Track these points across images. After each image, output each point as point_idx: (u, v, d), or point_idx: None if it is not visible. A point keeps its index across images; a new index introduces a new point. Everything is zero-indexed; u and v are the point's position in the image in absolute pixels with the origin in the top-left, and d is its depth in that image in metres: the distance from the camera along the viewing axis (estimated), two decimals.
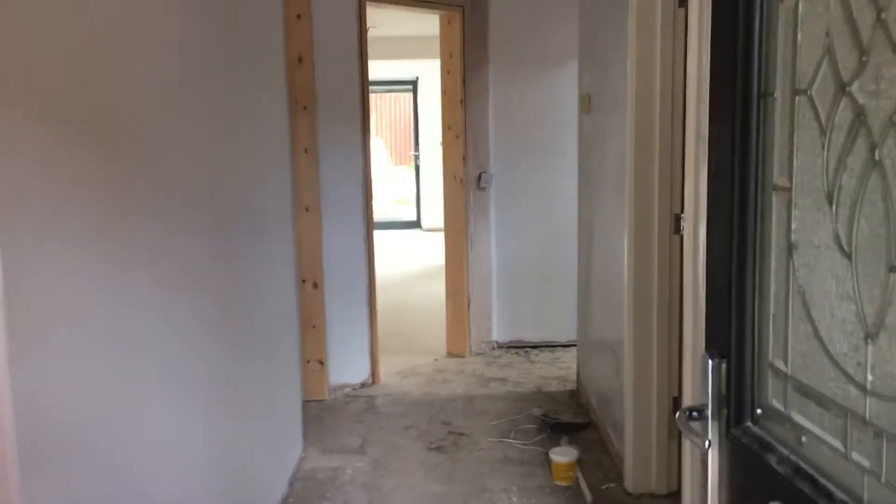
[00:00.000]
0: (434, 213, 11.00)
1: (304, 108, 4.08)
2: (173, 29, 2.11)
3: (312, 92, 4.10)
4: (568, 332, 5.08)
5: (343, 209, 4.30)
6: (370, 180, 4.41)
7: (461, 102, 4.82)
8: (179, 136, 2.10)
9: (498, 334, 5.17)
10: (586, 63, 3.94)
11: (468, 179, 4.92)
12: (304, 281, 4.17)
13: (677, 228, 2.97)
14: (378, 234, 11.03)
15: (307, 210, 4.15)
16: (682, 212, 2.95)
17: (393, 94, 13.38)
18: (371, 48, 7.26)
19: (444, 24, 4.86)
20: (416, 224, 11.49)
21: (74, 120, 1.60)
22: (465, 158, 4.88)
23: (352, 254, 4.38)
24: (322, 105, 4.16)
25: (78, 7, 1.63)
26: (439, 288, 5.20)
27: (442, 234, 5.22)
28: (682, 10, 2.88)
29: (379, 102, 14.78)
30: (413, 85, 11.31)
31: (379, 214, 12.37)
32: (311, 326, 4.21)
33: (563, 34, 4.84)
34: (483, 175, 4.95)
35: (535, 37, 4.92)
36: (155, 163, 1.96)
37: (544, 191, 5.05)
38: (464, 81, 4.81)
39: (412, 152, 11.76)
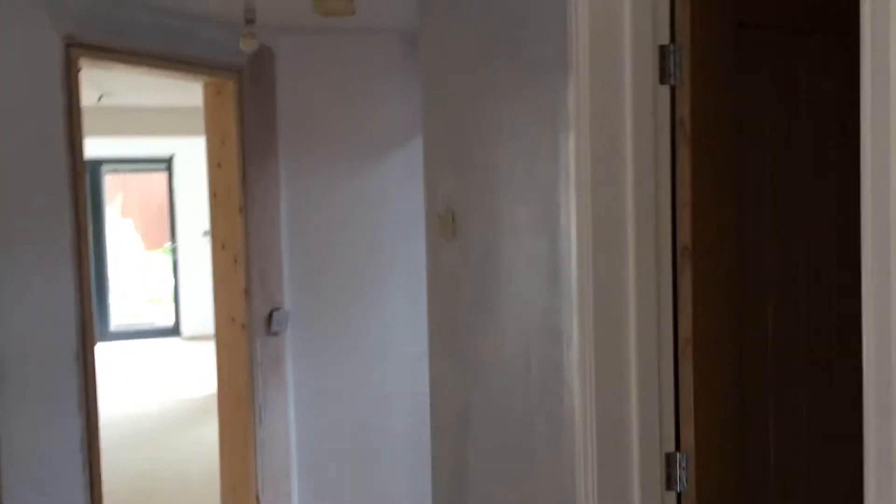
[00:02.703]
0: (196, 316, 9.09)
1: None
2: None
3: None
4: None
5: (39, 401, 2.53)
6: (91, 344, 2.68)
7: (241, 210, 3.25)
8: None
9: None
10: (444, 164, 2.56)
11: (253, 322, 3.32)
12: None
13: (669, 481, 1.63)
14: (125, 347, 8.98)
15: None
16: (678, 450, 1.64)
17: (143, 175, 11.31)
18: (104, 123, 5.45)
19: (212, 97, 3.29)
20: (174, 331, 9.43)
21: None
22: (247, 292, 3.29)
23: (58, 473, 2.59)
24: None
25: None
26: (211, 436, 3.52)
27: (208, 344, 3.56)
28: (666, 88, 1.60)
29: (126, 181, 12.61)
30: (168, 164, 9.41)
31: (128, 320, 10.18)
32: None
33: (389, 110, 3.47)
34: (275, 314, 3.38)
35: (346, 114, 3.50)
36: None
37: (363, 332, 3.56)
38: (244, 180, 3.25)
39: (168, 244, 9.77)
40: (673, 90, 1.60)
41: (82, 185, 2.66)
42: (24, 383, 2.48)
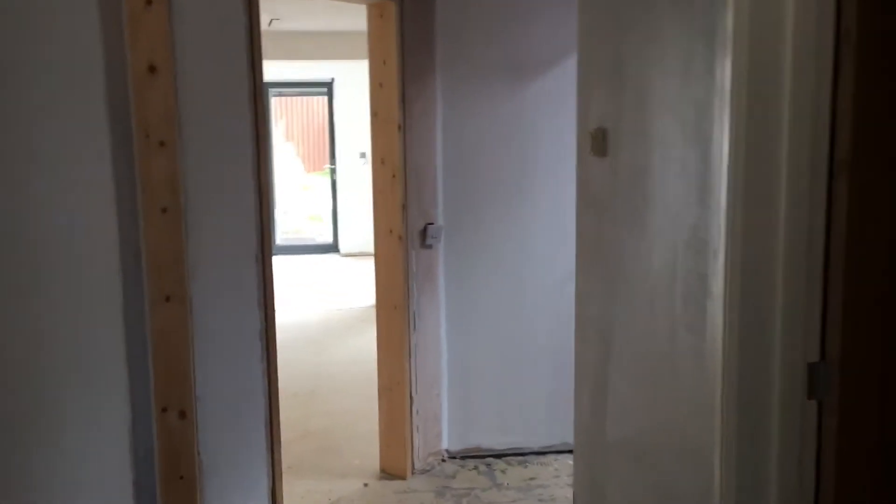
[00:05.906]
0: (353, 234, 9.59)
1: (162, 143, 2.61)
2: None
3: (174, 118, 2.63)
4: (541, 434, 3.81)
5: (227, 293, 2.86)
6: (269, 250, 2.97)
7: (399, 128, 3.43)
8: None
9: (450, 441, 3.81)
10: (597, 82, 2.60)
11: (410, 234, 3.53)
12: (164, 410, 2.71)
13: (811, 390, 1.67)
14: (288, 262, 9.63)
15: (168, 299, 2.68)
16: (822, 360, 1.67)
17: (305, 98, 11.85)
18: (273, 47, 5.78)
19: (375, 19, 3.45)
20: (333, 248, 10.00)
21: None
22: (405, 207, 3.49)
23: (241, 357, 2.93)
24: (191, 137, 2.70)
25: None
26: (368, 344, 3.81)
27: (364, 261, 3.85)
28: None
29: (289, 105, 13.24)
30: (328, 87, 9.82)
31: (290, 236, 10.88)
32: (178, 478, 2.74)
33: (543, 31, 3.51)
34: (430, 228, 3.57)
35: (502, 37, 3.57)
36: None
37: (512, 249, 3.70)
38: (402, 100, 3.42)
39: (327, 165, 10.26)
40: (839, 1, 1.57)
41: (262, 103, 2.90)
42: (216, 279, 2.80)
